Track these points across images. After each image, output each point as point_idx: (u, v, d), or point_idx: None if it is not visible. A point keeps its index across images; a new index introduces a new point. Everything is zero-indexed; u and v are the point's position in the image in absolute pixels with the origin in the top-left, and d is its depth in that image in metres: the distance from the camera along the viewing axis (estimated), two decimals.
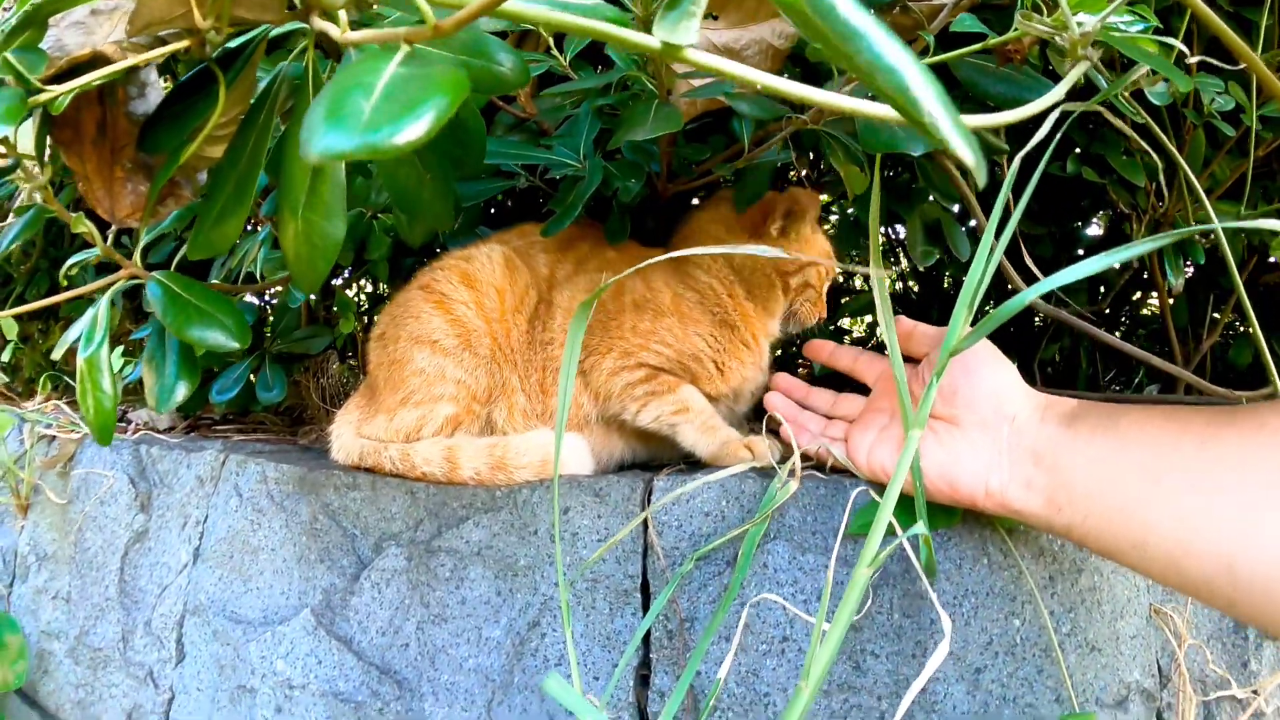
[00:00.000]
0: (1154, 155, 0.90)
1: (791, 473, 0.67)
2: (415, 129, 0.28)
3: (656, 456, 0.81)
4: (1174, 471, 0.51)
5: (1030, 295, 0.47)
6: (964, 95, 0.85)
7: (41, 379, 1.19)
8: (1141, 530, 0.52)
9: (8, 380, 1.35)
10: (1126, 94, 0.91)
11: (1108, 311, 1.40)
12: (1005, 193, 0.50)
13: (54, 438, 1.01)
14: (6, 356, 1.22)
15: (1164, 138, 0.89)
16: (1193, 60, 0.86)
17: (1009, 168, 0.56)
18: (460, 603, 0.69)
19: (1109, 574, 0.76)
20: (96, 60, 0.61)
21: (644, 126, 0.61)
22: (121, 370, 1.04)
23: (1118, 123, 0.72)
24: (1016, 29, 0.60)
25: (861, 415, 0.73)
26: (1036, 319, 1.38)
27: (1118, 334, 1.47)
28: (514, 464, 0.71)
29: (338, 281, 1.12)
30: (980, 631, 0.68)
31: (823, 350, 0.80)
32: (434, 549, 0.71)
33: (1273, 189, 1.16)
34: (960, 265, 1.00)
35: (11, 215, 0.80)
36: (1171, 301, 1.27)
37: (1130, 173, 1.02)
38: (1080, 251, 1.32)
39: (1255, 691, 0.80)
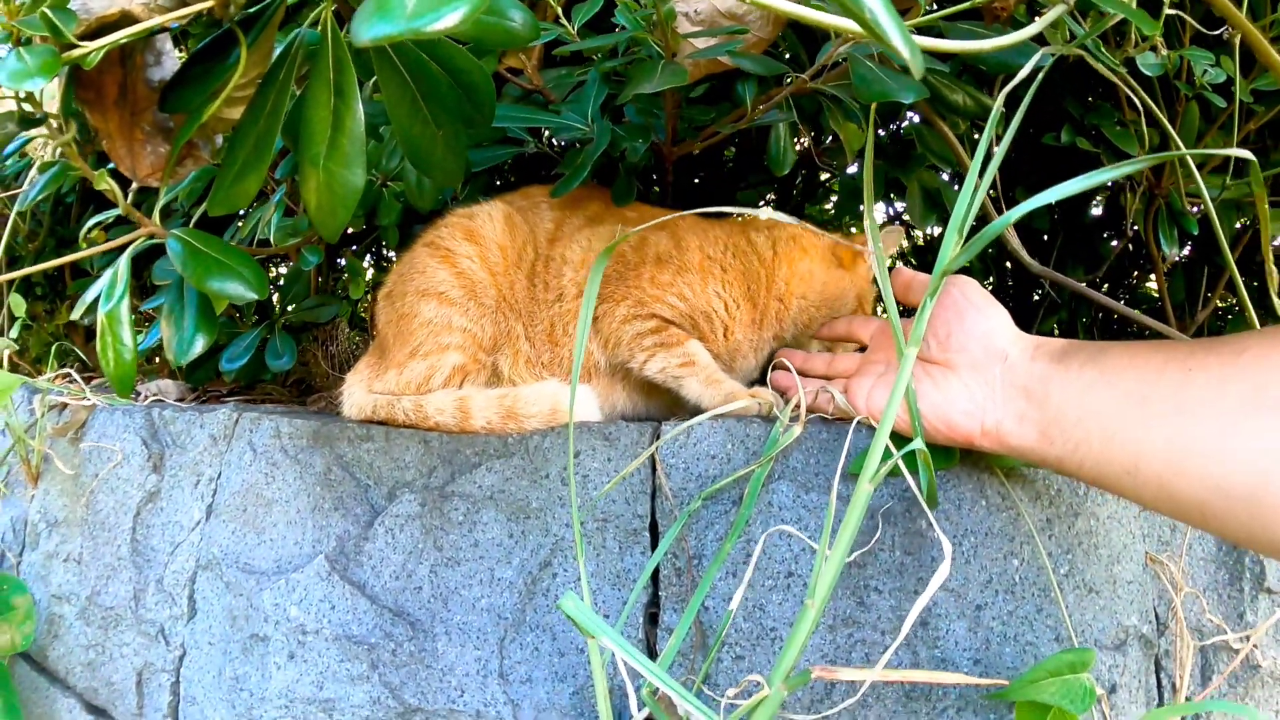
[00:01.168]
0: (1145, 126, 0.93)
1: (795, 417, 0.70)
2: (451, 18, 0.32)
3: (656, 412, 0.84)
4: (1160, 397, 0.54)
5: (1011, 218, 0.49)
6: (960, 62, 0.89)
7: (51, 350, 1.22)
8: (1133, 456, 0.55)
9: (17, 350, 1.38)
10: (1119, 62, 0.95)
11: (1105, 288, 1.44)
12: (990, 131, 0.54)
13: (65, 406, 1.03)
14: (14, 334, 1.25)
15: (1155, 106, 0.93)
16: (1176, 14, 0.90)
17: (995, 103, 0.59)
18: (473, 545, 0.72)
19: (1105, 519, 0.79)
20: (124, 20, 0.64)
21: (651, 81, 0.65)
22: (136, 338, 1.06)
23: (1109, 75, 0.75)
24: None
25: (859, 367, 0.76)
26: (1035, 294, 1.41)
27: (1131, 286, 1.51)
28: (524, 413, 0.74)
29: (350, 248, 1.15)
30: (980, 570, 0.71)
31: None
32: (447, 494, 0.74)
33: (1267, 164, 1.20)
34: None
35: (34, 171, 0.83)
36: (1167, 276, 1.31)
37: (1124, 142, 1.06)
38: (1078, 228, 1.36)
39: (1247, 638, 0.83)
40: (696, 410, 0.79)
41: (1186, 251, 1.40)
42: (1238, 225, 1.26)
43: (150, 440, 0.92)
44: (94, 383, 1.21)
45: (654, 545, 0.69)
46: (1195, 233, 1.15)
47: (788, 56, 0.92)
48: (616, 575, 0.68)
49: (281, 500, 0.81)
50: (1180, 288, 1.35)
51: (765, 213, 0.76)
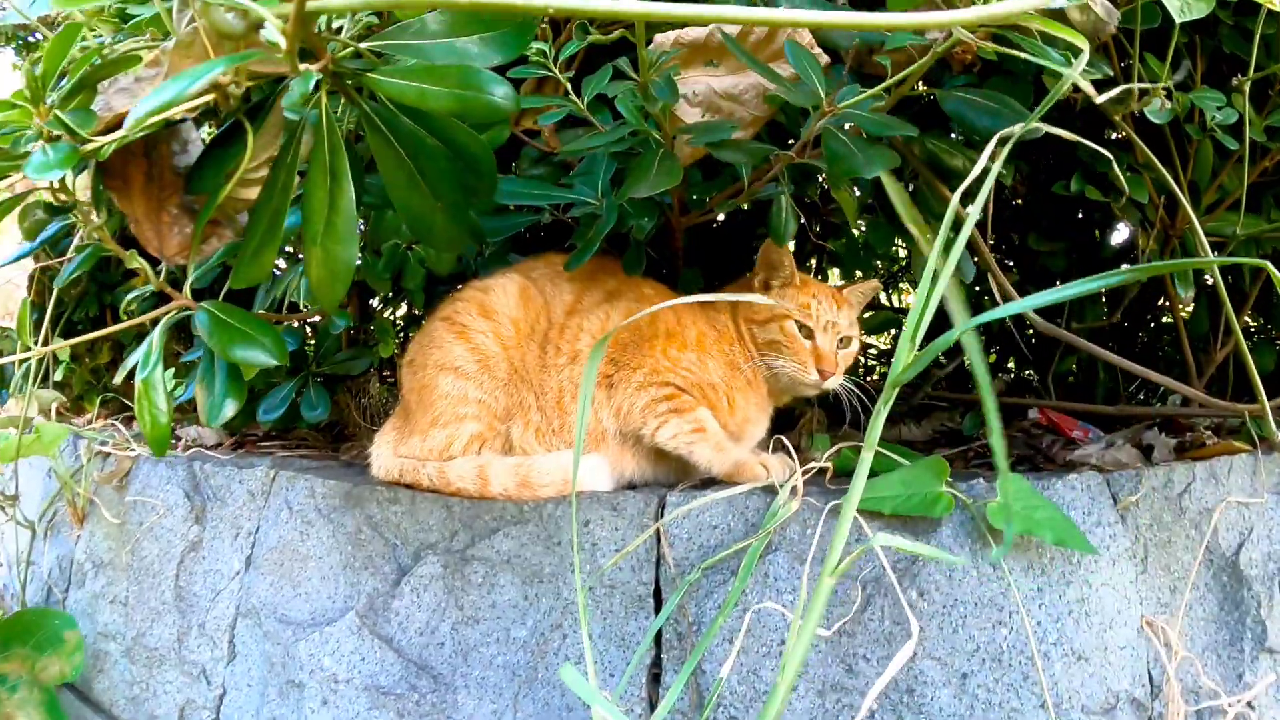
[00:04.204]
0: (1159, 169, 1.00)
1: (794, 491, 0.80)
2: None
3: (663, 478, 0.94)
4: None
5: (958, 333, 0.58)
6: (961, 133, 0.97)
7: (92, 397, 1.36)
8: None
9: (67, 404, 1.53)
10: (1131, 111, 1.02)
11: (1125, 325, 1.49)
12: (944, 230, 0.62)
13: (109, 454, 1.17)
14: (59, 376, 1.39)
15: (1149, 153, 1.00)
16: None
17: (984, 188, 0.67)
18: (491, 606, 0.83)
19: (1098, 586, 0.87)
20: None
21: (646, 182, 0.75)
22: (172, 391, 1.19)
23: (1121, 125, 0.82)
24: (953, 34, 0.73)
25: None
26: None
27: (1139, 342, 1.57)
28: (538, 482, 0.85)
29: (376, 305, 1.27)
30: (968, 639, 0.79)
31: None
32: (467, 557, 0.85)
33: None
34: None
35: (71, 251, 0.96)
36: (1190, 310, 1.36)
37: (1133, 189, 1.13)
38: (1094, 263, 1.42)
39: (1245, 702, 0.90)
40: (705, 475, 0.89)
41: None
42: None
43: (192, 493, 1.05)
44: (135, 428, 1.35)
45: (658, 610, 0.79)
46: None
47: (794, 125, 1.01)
48: (622, 638, 0.78)
49: (316, 557, 0.92)
50: (1204, 318, 1.40)
51: (747, 297, 0.87)
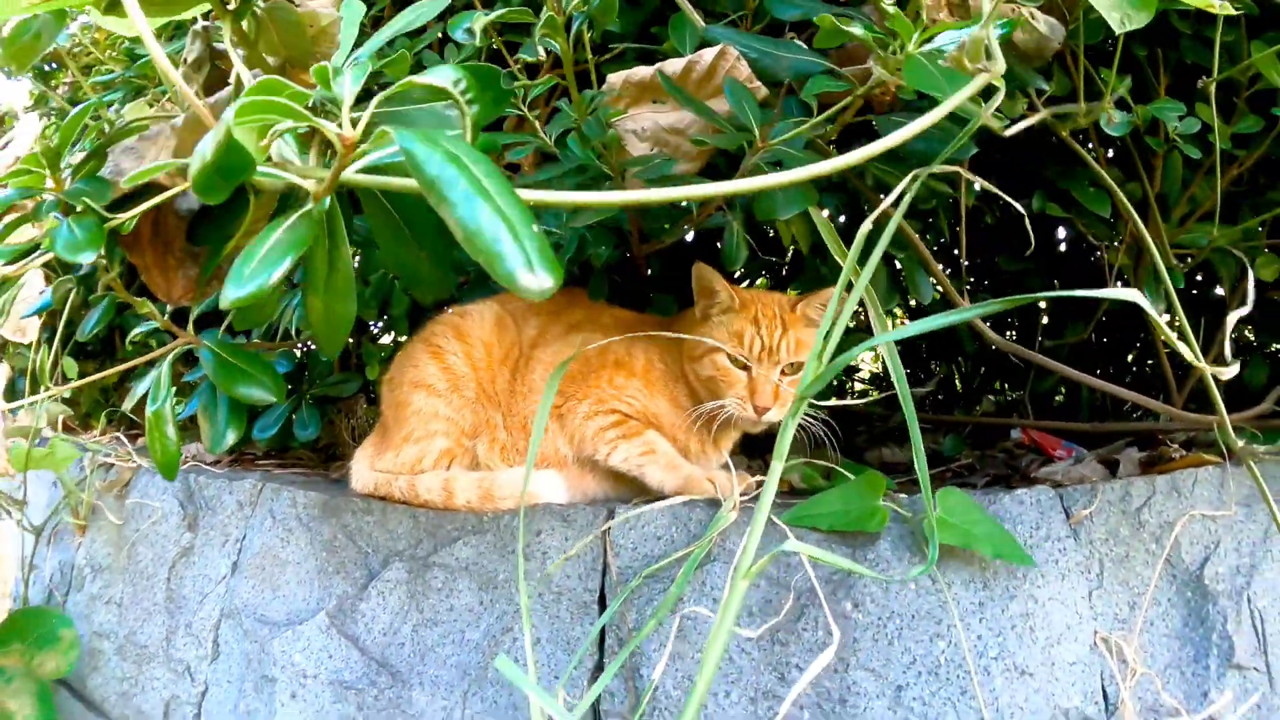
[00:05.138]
0: (1109, 183, 1.03)
1: (735, 505, 0.84)
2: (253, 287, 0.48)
3: (627, 495, 0.99)
4: None
5: (846, 359, 0.63)
6: (891, 152, 1.02)
7: (99, 413, 1.46)
8: None
9: (71, 415, 1.65)
10: (1090, 128, 1.05)
11: (1105, 340, 1.50)
12: (850, 262, 0.67)
13: (112, 465, 1.26)
14: (68, 394, 1.50)
15: (1100, 171, 1.03)
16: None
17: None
18: (449, 609, 0.89)
19: (1045, 600, 0.89)
20: (151, 187, 0.84)
21: (587, 211, 0.81)
22: (176, 406, 1.29)
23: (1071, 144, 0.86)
24: (874, 76, 0.79)
25: None
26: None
27: (1128, 358, 1.58)
28: (499, 494, 0.91)
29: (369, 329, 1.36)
30: (904, 652, 0.82)
31: None
32: (430, 564, 0.91)
33: (1261, 203, 1.26)
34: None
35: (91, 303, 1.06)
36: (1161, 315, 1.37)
37: (1095, 205, 1.16)
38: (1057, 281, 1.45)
39: (1207, 718, 0.91)
40: (660, 493, 0.94)
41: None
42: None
43: (186, 502, 1.13)
44: (139, 442, 1.45)
45: (601, 615, 0.84)
46: (1181, 286, 1.22)
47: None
48: (568, 641, 0.84)
49: (294, 562, 0.99)
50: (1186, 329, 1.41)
51: (674, 336, 0.93)
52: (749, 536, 0.61)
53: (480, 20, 0.71)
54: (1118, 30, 0.94)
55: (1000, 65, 0.56)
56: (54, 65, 1.75)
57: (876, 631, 0.82)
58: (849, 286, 0.71)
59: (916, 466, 0.77)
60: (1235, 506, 1.05)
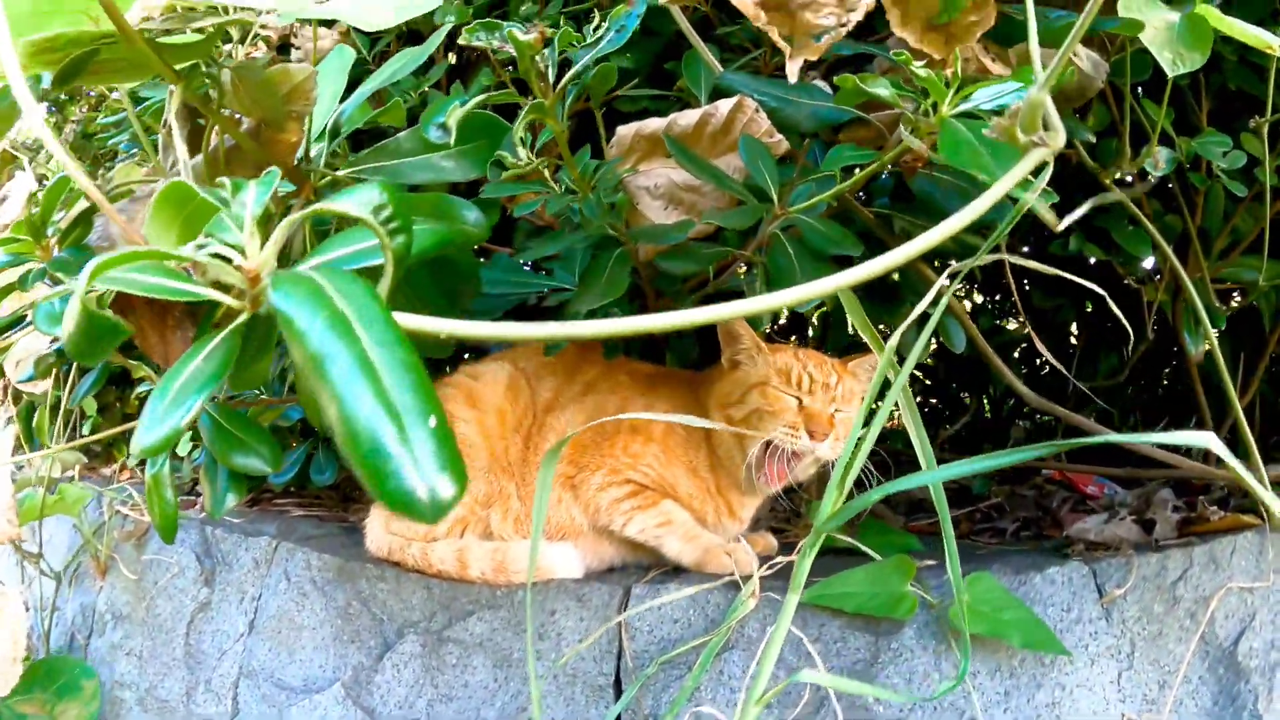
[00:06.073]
0: (1154, 235, 1.00)
1: (754, 590, 0.83)
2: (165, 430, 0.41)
3: (647, 560, 0.98)
4: None
5: (874, 497, 0.60)
6: (931, 214, 0.99)
7: (121, 446, 1.48)
8: None
9: (92, 452, 1.67)
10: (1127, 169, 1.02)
11: (1142, 382, 1.46)
12: (887, 359, 0.65)
13: (127, 515, 1.28)
14: (86, 430, 1.52)
15: (1141, 216, 0.99)
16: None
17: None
18: (464, 686, 0.89)
19: (1073, 688, 0.87)
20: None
21: (595, 293, 0.80)
22: (190, 453, 1.30)
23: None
24: (902, 141, 0.75)
25: None
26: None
27: (1160, 395, 1.54)
28: (513, 568, 0.90)
29: None
30: None
31: None
32: (444, 638, 0.91)
33: None
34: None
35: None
36: (1200, 359, 1.33)
37: (1135, 246, 1.12)
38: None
39: None
40: (677, 563, 0.93)
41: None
42: None
43: (203, 556, 1.14)
44: None
45: (617, 699, 0.83)
46: (1223, 328, 1.17)
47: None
48: None
49: (310, 627, 1.00)
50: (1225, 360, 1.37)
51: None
52: (763, 661, 0.60)
53: (455, 113, 0.68)
54: (1170, 73, 0.89)
55: (1061, 138, 0.52)
56: (67, 96, 1.76)
57: None
58: (885, 385, 0.68)
59: (949, 567, 0.75)
60: (1273, 575, 1.03)
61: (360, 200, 0.37)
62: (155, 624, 1.17)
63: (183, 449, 1.32)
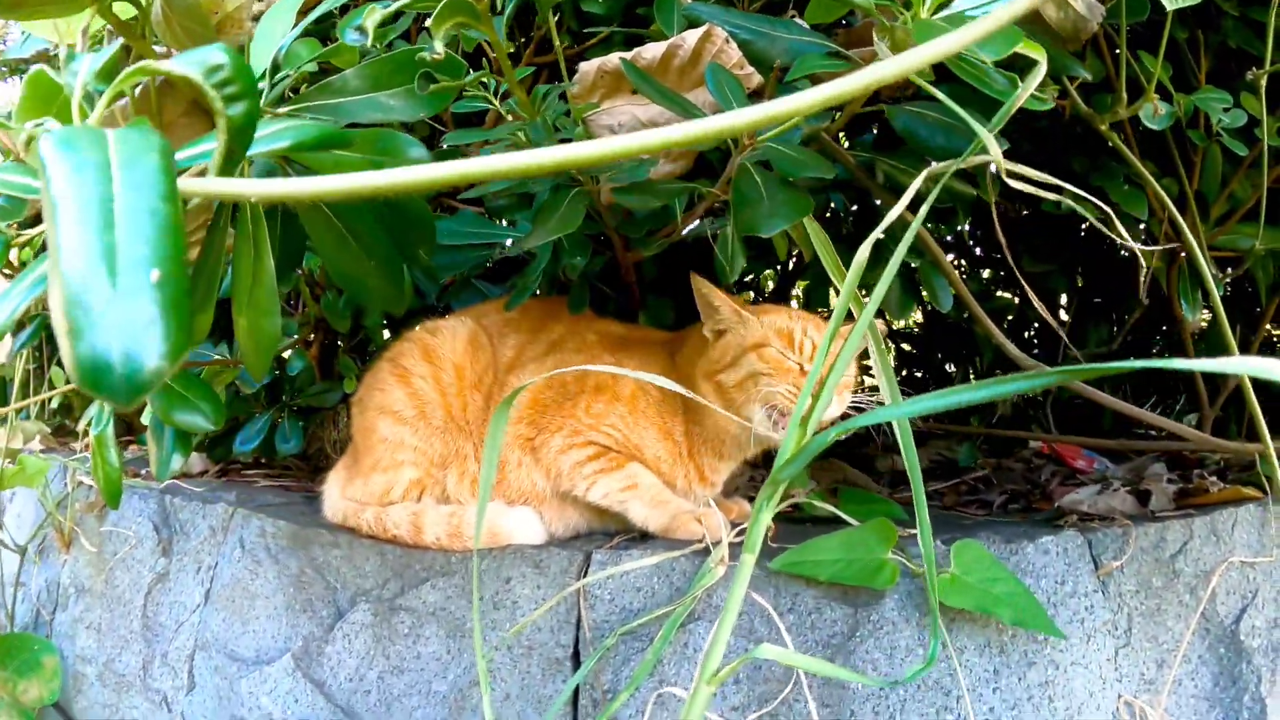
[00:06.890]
0: (1151, 183, 0.93)
1: (721, 557, 0.78)
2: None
3: (614, 525, 0.93)
4: None
5: (834, 435, 0.54)
6: (915, 152, 0.92)
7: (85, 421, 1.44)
8: None
9: (63, 421, 1.63)
10: (1121, 117, 0.95)
11: (1128, 338, 1.40)
12: (849, 283, 0.59)
13: (91, 485, 1.23)
14: (55, 404, 1.48)
15: (1141, 168, 0.93)
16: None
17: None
18: (416, 657, 0.84)
19: (1067, 666, 0.82)
20: None
21: (546, 228, 0.74)
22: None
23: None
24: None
25: None
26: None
27: (1153, 357, 1.47)
28: (468, 533, 0.85)
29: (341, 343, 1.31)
30: None
31: None
32: (396, 607, 0.86)
33: None
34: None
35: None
36: (1201, 327, 1.26)
37: (1132, 205, 1.06)
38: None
39: None
40: (644, 530, 0.87)
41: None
42: None
43: (161, 526, 1.10)
44: (128, 452, 1.43)
45: (575, 672, 0.78)
46: (1222, 294, 1.11)
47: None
48: (539, 700, 0.79)
49: (263, 595, 0.96)
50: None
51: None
52: (715, 637, 0.55)
53: (373, 15, 0.61)
54: (1170, 6, 0.84)
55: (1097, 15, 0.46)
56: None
57: (877, 703, 0.76)
58: (849, 315, 0.63)
59: (917, 519, 0.69)
60: (1276, 550, 0.96)
61: (193, 60, 0.32)
62: (114, 596, 1.13)
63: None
